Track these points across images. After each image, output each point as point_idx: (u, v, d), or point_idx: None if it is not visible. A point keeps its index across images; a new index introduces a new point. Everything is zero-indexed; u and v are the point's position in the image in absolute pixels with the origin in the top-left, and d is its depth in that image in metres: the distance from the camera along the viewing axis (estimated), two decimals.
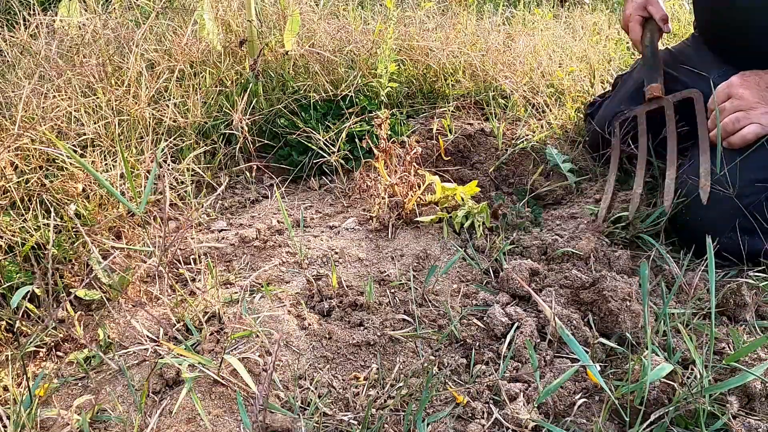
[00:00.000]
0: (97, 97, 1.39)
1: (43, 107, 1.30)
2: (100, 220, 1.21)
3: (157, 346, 0.97)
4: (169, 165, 1.37)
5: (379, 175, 1.34)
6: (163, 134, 1.46)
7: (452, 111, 1.83)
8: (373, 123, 1.54)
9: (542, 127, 1.78)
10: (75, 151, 1.29)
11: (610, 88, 1.75)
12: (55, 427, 0.86)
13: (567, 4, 2.91)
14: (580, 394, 0.91)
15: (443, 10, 2.41)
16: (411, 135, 1.67)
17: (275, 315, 1.06)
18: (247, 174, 1.56)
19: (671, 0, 2.55)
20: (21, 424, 0.81)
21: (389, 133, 1.34)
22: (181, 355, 0.90)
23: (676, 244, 1.28)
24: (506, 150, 1.62)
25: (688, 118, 1.38)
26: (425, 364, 0.97)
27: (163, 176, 1.34)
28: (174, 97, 1.51)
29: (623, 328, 1.01)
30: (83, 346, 0.99)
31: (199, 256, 1.22)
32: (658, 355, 0.92)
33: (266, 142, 1.60)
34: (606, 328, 1.03)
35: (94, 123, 1.34)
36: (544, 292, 1.09)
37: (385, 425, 0.87)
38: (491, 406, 0.90)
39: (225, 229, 1.34)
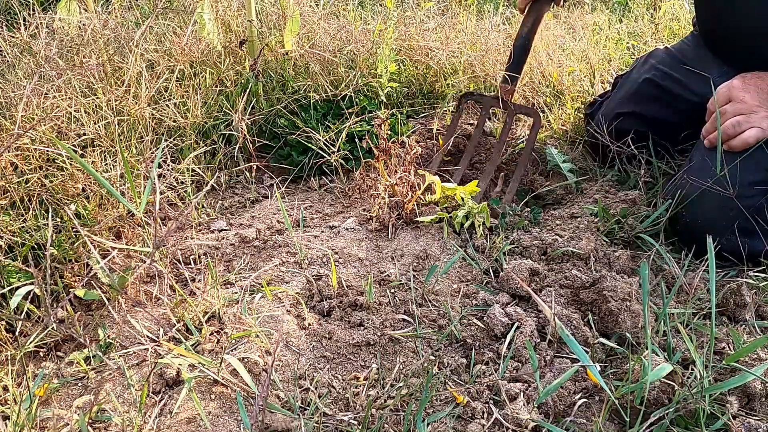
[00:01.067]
0: (97, 97, 1.39)
1: (43, 107, 1.30)
2: (100, 220, 1.21)
3: (157, 346, 0.97)
4: (169, 165, 1.37)
5: (379, 175, 1.34)
6: (163, 134, 1.46)
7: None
8: (373, 123, 1.54)
9: (542, 127, 1.78)
10: (75, 151, 1.29)
11: (610, 88, 1.75)
12: (54, 427, 0.86)
13: (567, 4, 2.91)
14: (580, 394, 0.91)
15: (443, 10, 2.41)
16: (411, 135, 1.67)
17: (275, 315, 1.06)
18: (247, 174, 1.56)
19: (671, 0, 2.55)
20: (21, 424, 0.81)
21: (389, 133, 1.34)
22: (181, 355, 0.90)
23: (675, 244, 1.28)
24: (506, 150, 1.62)
25: (694, 121, 1.38)
26: (425, 364, 0.97)
27: (163, 176, 1.34)
28: (174, 97, 1.51)
29: (623, 328, 1.01)
30: (83, 346, 0.99)
31: (199, 256, 1.22)
32: (658, 355, 0.92)
33: (266, 142, 1.60)
34: (606, 328, 1.03)
35: (94, 123, 1.34)
36: (544, 292, 1.09)
37: (385, 425, 0.87)
38: (491, 406, 0.90)
39: (225, 229, 1.34)
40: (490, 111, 1.67)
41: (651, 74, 1.54)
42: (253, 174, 1.56)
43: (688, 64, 1.48)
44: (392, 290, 1.14)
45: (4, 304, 1.04)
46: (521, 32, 1.55)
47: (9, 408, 0.85)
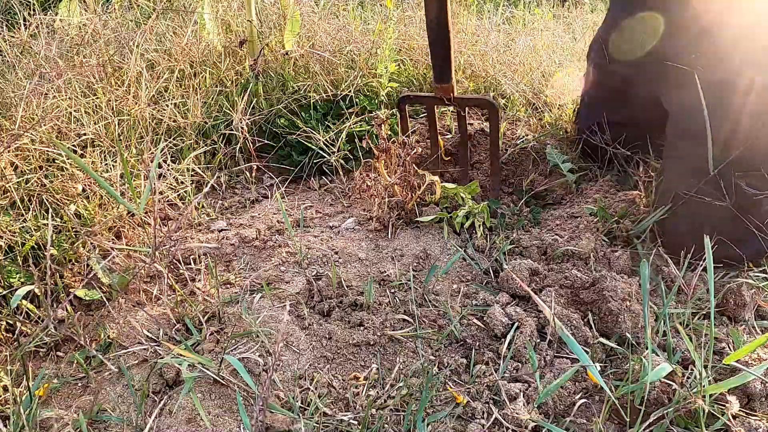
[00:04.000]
0: (97, 97, 1.39)
1: (44, 107, 1.30)
2: (100, 220, 1.21)
3: (157, 346, 0.98)
4: (169, 165, 1.37)
5: (379, 175, 1.34)
6: (163, 134, 1.46)
7: (452, 111, 1.83)
8: (373, 123, 1.54)
9: (542, 127, 1.78)
10: (75, 152, 1.29)
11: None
12: (55, 427, 0.86)
13: (567, 4, 2.91)
14: (580, 394, 0.91)
15: None
16: (411, 135, 1.67)
17: (275, 315, 1.06)
18: (247, 174, 1.56)
19: None
20: (21, 424, 0.81)
21: (389, 133, 1.34)
22: (181, 355, 0.90)
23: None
24: (506, 150, 1.62)
25: (654, 117, 1.35)
26: (425, 364, 0.97)
27: (163, 176, 1.34)
28: (174, 97, 1.51)
29: (623, 328, 1.01)
30: (83, 346, 0.99)
31: (199, 256, 1.22)
32: (658, 355, 0.92)
33: (266, 142, 1.60)
34: (606, 328, 1.03)
35: (94, 123, 1.34)
36: (544, 292, 1.09)
37: (385, 425, 0.87)
38: (491, 406, 0.90)
39: (225, 229, 1.34)
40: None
41: (600, 77, 1.49)
42: (253, 174, 1.56)
43: (622, 39, 1.39)
44: (392, 290, 1.14)
45: (4, 304, 1.04)
46: (429, 18, 1.29)
47: (9, 408, 0.85)
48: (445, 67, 1.34)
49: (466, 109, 1.44)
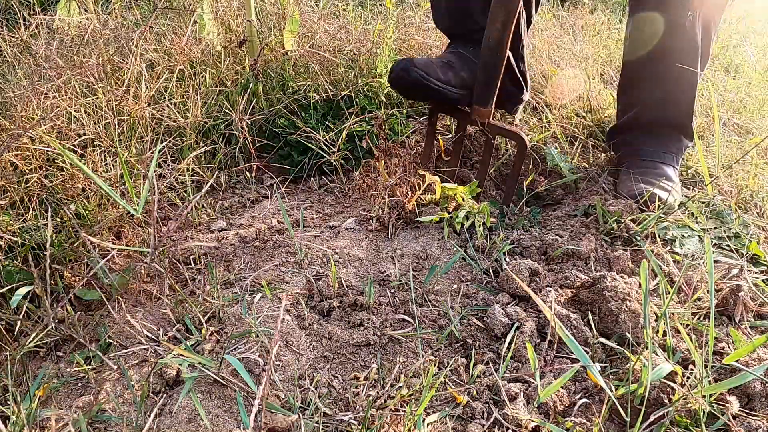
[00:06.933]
0: (97, 97, 1.39)
1: (43, 107, 1.30)
2: (100, 220, 1.21)
3: (157, 346, 0.98)
4: (169, 165, 1.37)
5: (379, 175, 1.34)
6: (163, 134, 1.46)
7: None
8: (373, 123, 1.54)
9: (542, 127, 1.78)
10: (75, 152, 1.29)
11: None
12: (55, 427, 0.86)
13: (567, 4, 2.91)
14: (580, 394, 0.91)
15: None
16: (411, 135, 1.67)
17: (275, 315, 1.06)
18: (247, 174, 1.56)
19: None
20: (21, 424, 0.81)
21: (389, 133, 1.34)
22: (181, 355, 0.90)
23: (672, 243, 1.28)
24: (506, 150, 1.62)
25: None
26: (425, 364, 0.97)
27: (163, 176, 1.34)
28: (174, 97, 1.51)
29: (623, 328, 1.01)
30: (83, 346, 0.99)
31: (199, 256, 1.22)
32: (658, 355, 0.92)
33: (266, 142, 1.60)
34: (606, 328, 1.03)
35: (94, 123, 1.34)
36: (544, 292, 1.09)
37: (385, 425, 0.87)
38: (491, 406, 0.90)
39: (225, 229, 1.34)
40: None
41: None
42: (253, 174, 1.56)
43: None
44: (392, 290, 1.14)
45: (4, 304, 1.04)
46: (489, 39, 1.24)
47: (9, 408, 0.85)
48: (489, 92, 1.30)
49: (495, 135, 1.38)
